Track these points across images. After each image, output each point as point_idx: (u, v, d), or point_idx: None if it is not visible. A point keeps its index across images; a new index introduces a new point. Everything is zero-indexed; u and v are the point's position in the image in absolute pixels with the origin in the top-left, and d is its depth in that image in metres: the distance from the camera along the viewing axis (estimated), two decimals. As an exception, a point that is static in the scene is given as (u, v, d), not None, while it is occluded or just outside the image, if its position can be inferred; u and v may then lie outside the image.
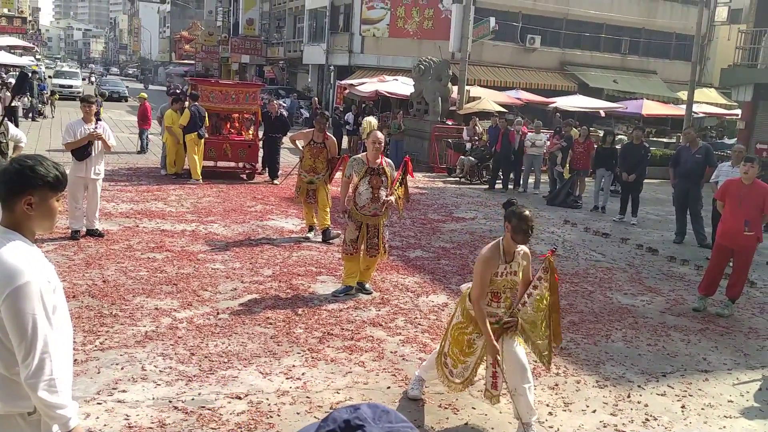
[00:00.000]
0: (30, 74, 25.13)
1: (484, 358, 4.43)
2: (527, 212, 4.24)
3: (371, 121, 18.52)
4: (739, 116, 20.83)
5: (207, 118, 13.64)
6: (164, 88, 44.75)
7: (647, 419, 4.81)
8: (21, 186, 2.39)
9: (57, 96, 27.10)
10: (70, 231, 8.44)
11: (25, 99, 23.13)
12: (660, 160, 18.56)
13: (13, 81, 20.01)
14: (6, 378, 2.38)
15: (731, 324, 7.07)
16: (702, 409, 5.05)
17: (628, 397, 5.14)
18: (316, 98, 28.95)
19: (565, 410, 4.85)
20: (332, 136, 9.65)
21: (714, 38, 30.51)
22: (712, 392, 5.35)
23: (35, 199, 2.41)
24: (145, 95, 18.97)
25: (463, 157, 16.87)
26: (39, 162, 2.44)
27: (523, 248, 4.42)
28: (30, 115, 24.05)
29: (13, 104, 18.67)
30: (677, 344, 6.35)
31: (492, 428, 4.52)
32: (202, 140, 13.34)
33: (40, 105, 25.02)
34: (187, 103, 13.95)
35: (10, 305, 2.30)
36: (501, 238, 4.40)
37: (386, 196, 6.90)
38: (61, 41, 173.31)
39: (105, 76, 37.92)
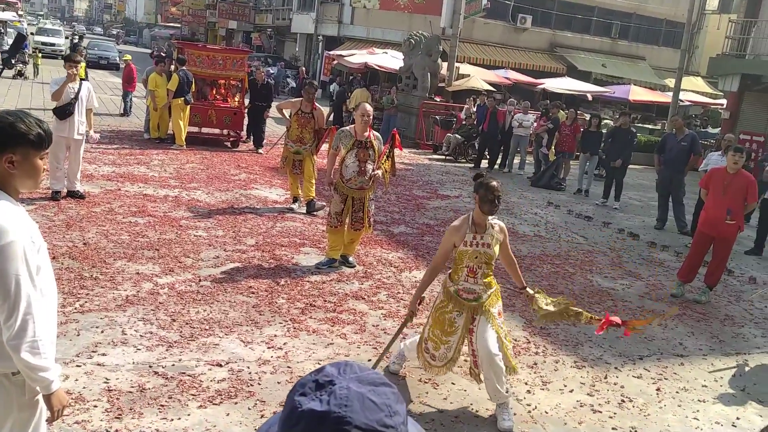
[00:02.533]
0: (27, 36, 23.67)
1: (466, 336, 4.45)
2: (494, 183, 4.33)
3: (361, 93, 18.39)
4: (724, 106, 20.96)
5: (194, 84, 13.44)
6: (147, 51, 43.58)
7: (623, 400, 4.88)
8: (1, 144, 2.31)
9: (40, 56, 25.51)
10: (50, 191, 8.32)
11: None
12: (645, 146, 18.66)
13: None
14: (-12, 338, 2.34)
15: (708, 310, 7.18)
16: (677, 392, 5.14)
17: (605, 378, 5.22)
18: (303, 68, 28.64)
19: (543, 389, 4.90)
20: (320, 107, 9.53)
21: (704, 27, 30.53)
22: (687, 376, 5.44)
23: (17, 158, 2.33)
24: (130, 56, 18.60)
25: (449, 134, 16.82)
26: (20, 119, 2.35)
27: (498, 223, 4.49)
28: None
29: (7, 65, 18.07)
30: (654, 328, 6.43)
31: (471, 404, 4.57)
32: (188, 106, 13.14)
33: (20, 65, 23.81)
34: (173, 68, 13.72)
35: (-8, 265, 2.25)
36: (472, 210, 4.49)
37: (373, 170, 6.86)
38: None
39: (83, 37, 32.50)
